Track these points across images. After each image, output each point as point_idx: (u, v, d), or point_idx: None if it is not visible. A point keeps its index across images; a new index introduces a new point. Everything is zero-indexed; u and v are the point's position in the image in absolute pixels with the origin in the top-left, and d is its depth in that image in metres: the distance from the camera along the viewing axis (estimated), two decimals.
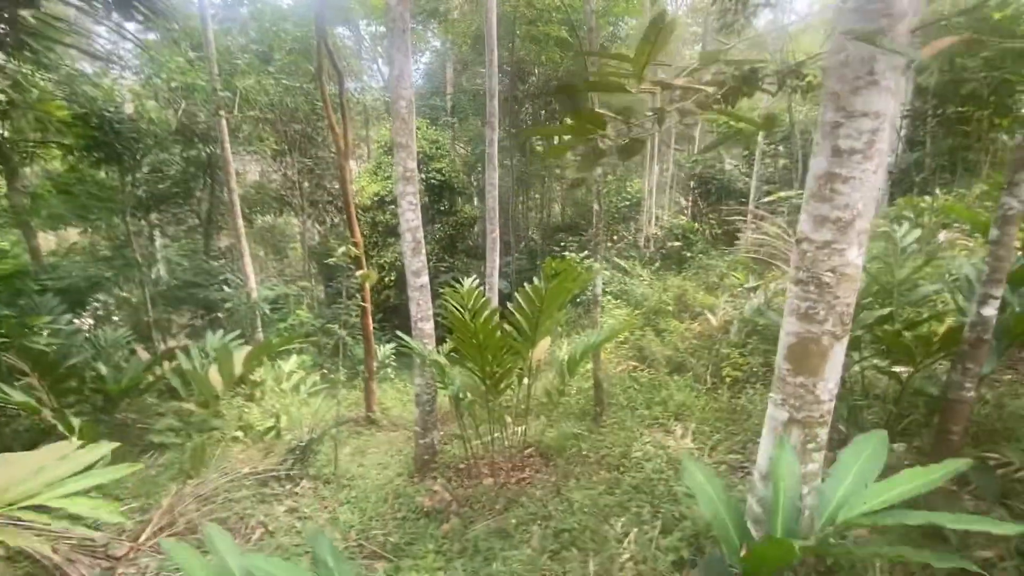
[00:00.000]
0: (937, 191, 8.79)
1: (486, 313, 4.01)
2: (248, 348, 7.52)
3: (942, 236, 7.34)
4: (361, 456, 6.07)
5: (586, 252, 9.67)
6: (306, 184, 18.35)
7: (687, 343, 7.05)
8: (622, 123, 1.46)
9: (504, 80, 16.59)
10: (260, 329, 10.80)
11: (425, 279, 4.80)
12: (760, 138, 14.00)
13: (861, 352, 3.20)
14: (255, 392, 7.79)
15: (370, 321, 8.09)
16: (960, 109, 8.07)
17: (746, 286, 7.47)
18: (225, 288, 11.03)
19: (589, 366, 6.10)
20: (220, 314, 11.54)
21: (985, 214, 4.76)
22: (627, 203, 18.31)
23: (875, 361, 3.21)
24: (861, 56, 1.79)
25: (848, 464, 1.90)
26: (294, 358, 8.98)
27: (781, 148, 16.58)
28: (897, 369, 3.08)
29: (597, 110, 1.06)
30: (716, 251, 12.99)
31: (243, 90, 9.73)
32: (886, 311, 2.97)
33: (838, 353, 2.03)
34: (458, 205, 18.26)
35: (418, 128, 17.61)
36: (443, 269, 17.29)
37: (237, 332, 8.29)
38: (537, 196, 19.98)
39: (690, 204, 18.41)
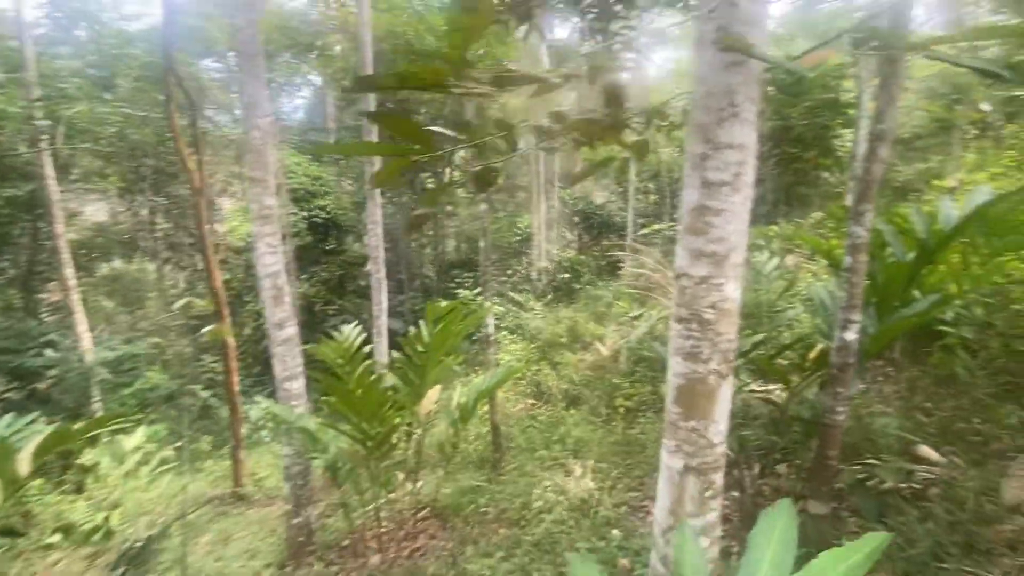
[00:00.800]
0: (780, 221, 10.01)
1: (363, 366, 3.55)
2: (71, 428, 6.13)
3: (789, 260, 8.27)
4: (224, 545, 5.09)
5: (479, 289, 9.49)
6: (164, 225, 16.24)
7: (581, 374, 7.05)
8: (466, 143, 1.24)
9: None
10: (98, 399, 9.03)
11: (291, 331, 4.20)
12: (633, 175, 15.10)
13: (739, 377, 3.26)
14: (85, 480, 6.35)
15: (235, 379, 7.06)
16: (791, 150, 9.29)
17: (630, 315, 7.73)
18: (49, 352, 9.10)
19: (487, 408, 5.80)
20: (43, 384, 9.48)
21: (823, 240, 5.37)
22: (519, 238, 18.68)
23: (753, 386, 3.30)
24: (723, 87, 1.76)
25: (760, 548, 1.74)
26: (141, 431, 7.54)
27: (652, 185, 18.11)
28: (774, 392, 3.17)
29: (432, 128, 0.83)
30: (602, 282, 13.58)
31: (71, 119, 8.33)
32: (760, 337, 3.05)
33: (725, 392, 1.93)
34: (346, 244, 17.30)
35: (298, 164, 16.56)
36: (331, 312, 16.09)
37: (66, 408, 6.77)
38: (431, 232, 19.67)
39: (576, 238, 19.27)
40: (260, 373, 12.29)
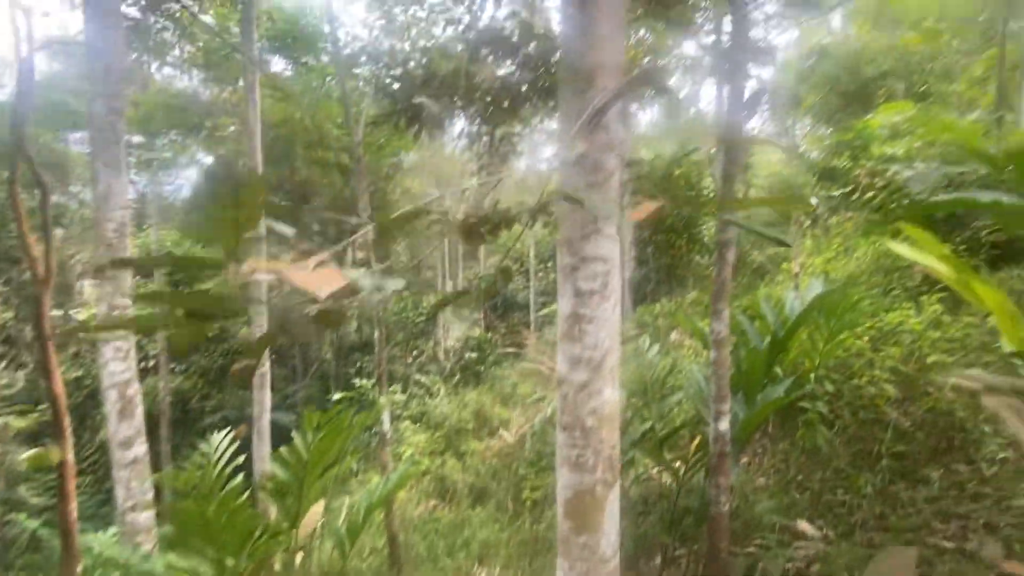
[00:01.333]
0: (663, 299, 10.90)
1: (228, 488, 3.07)
2: None
3: (673, 336, 8.91)
4: None
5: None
6: (3, 315, 13.87)
7: (488, 464, 6.77)
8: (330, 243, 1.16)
9: (284, 200, 15.87)
10: None
11: (139, 450, 3.59)
12: (532, 257, 15.82)
13: (634, 467, 3.28)
14: None
15: (72, 506, 5.81)
16: (666, 237, 10.34)
17: (535, 396, 7.72)
18: None
19: (384, 516, 5.27)
20: None
21: (696, 323, 5.87)
22: (423, 317, 18.38)
23: (646, 474, 3.33)
24: (588, 207, 1.89)
25: None
26: None
27: (549, 264, 19.05)
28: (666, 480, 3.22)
29: (218, 294, 0.74)
30: (508, 361, 13.61)
31: None
32: (648, 425, 3.12)
33: (613, 502, 1.90)
34: (232, 328, 15.85)
35: (177, 244, 15.25)
36: (208, 409, 14.30)
37: None
38: None
39: (482, 316, 19.39)
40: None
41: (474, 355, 15.62)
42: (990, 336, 4.09)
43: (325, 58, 13.43)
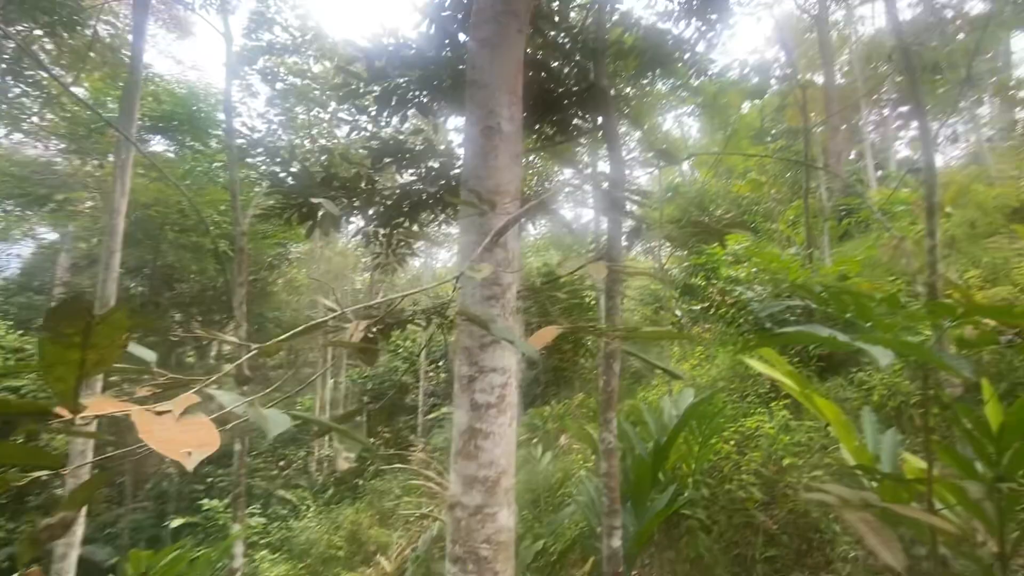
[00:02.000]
0: (552, 402, 11.09)
1: None
2: None
3: (562, 439, 8.95)
4: None
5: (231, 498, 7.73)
6: None
7: None
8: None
9: (145, 284, 14.14)
10: None
11: None
12: (423, 357, 15.43)
13: None
14: None
15: None
16: (553, 341, 10.81)
17: (419, 512, 7.08)
18: None
19: None
20: None
21: (586, 425, 6.00)
22: (295, 422, 16.55)
23: None
24: (484, 317, 1.91)
25: None
26: None
27: (441, 363, 18.68)
28: None
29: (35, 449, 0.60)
30: (391, 472, 12.51)
31: None
32: (539, 545, 2.97)
33: None
34: (40, 440, 12.87)
35: None
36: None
37: None
38: None
39: (364, 420, 18.01)
40: None
41: (352, 465, 14.19)
42: (828, 439, 4.68)
43: (214, 144, 12.99)
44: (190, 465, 0.50)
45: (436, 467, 7.24)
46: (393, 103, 3.67)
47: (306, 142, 14.70)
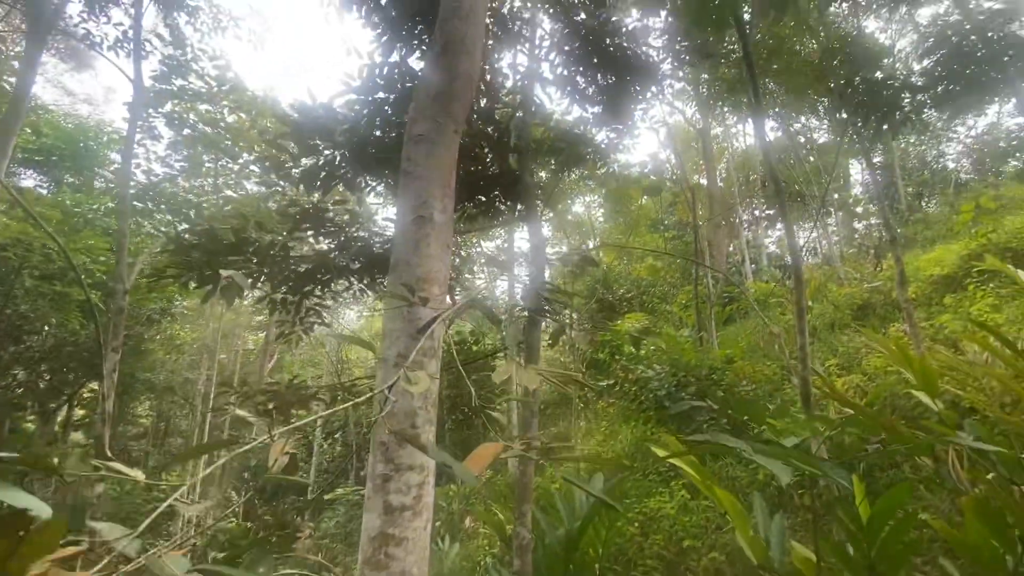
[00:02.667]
0: (459, 480, 10.64)
1: None
2: None
3: (467, 522, 8.53)
4: None
5: None
6: None
7: None
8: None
9: None
10: None
11: None
12: (318, 430, 14.27)
13: None
14: None
15: None
16: (462, 416, 10.58)
17: None
18: None
19: None
20: None
21: (493, 506, 5.80)
22: (153, 505, 14.21)
23: None
24: (405, 410, 1.84)
25: None
26: None
27: (339, 436, 17.32)
28: None
29: None
30: (269, 561, 10.98)
31: None
32: None
33: None
34: None
35: None
36: None
37: None
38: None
39: (242, 501, 15.94)
40: None
41: (222, 555, 12.27)
42: (722, 519, 4.92)
43: (101, 184, 11.82)
44: None
45: (325, 555, 6.49)
46: (321, 177, 3.63)
47: (209, 189, 13.83)
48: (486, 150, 4.68)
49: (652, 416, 7.95)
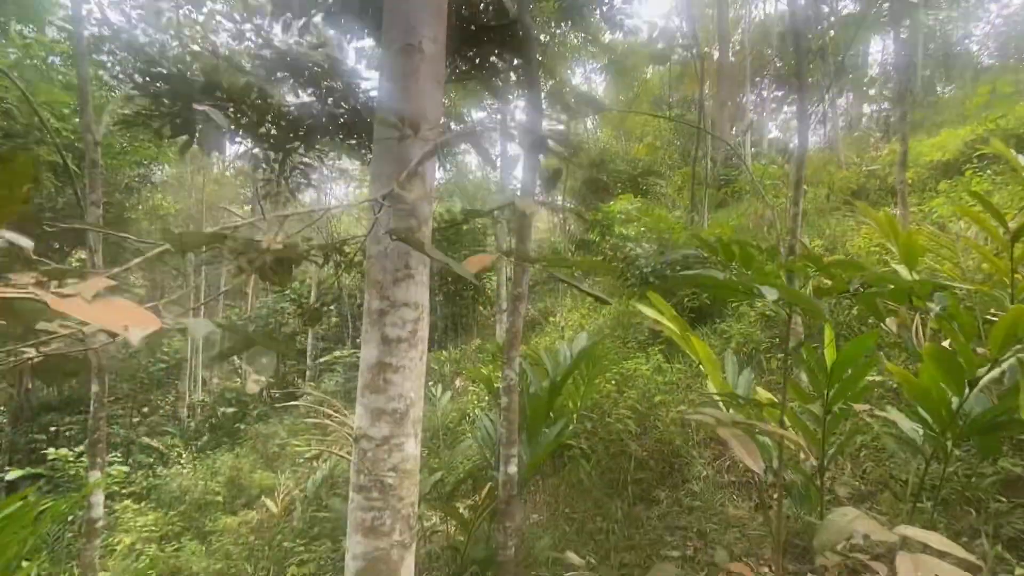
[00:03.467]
0: (449, 347, 11.26)
1: None
2: None
3: (458, 382, 9.19)
4: None
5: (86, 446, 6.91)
6: None
7: (243, 544, 5.69)
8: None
9: None
10: None
11: None
12: (313, 297, 14.65)
13: (421, 522, 3.18)
14: None
15: None
16: (453, 288, 10.84)
17: (307, 455, 6.92)
18: None
19: None
20: None
21: (482, 370, 6.21)
22: (163, 366, 15.05)
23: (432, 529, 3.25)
24: (399, 250, 1.85)
25: None
26: None
27: (333, 307, 17.89)
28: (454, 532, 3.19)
29: None
30: (276, 416, 12.00)
31: None
32: (438, 475, 3.08)
33: (409, 566, 1.78)
34: None
35: None
36: None
37: None
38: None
39: (244, 368, 16.87)
40: None
41: (231, 411, 13.32)
42: (693, 378, 5.34)
43: (52, 33, 10.61)
44: (135, 340, 0.43)
45: (326, 410, 7.06)
46: (296, 3, 3.23)
47: (174, 43, 12.55)
48: None
49: (637, 292, 8.21)
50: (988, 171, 7.79)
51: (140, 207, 15.85)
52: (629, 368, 5.45)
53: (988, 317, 3.17)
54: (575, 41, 11.12)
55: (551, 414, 4.04)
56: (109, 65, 10.18)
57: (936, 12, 16.82)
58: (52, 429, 11.93)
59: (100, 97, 9.43)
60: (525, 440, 3.34)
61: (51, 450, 7.62)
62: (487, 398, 6.65)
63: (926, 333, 3.71)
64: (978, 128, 9.11)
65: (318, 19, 3.56)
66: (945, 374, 1.98)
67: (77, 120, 8.89)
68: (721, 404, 2.48)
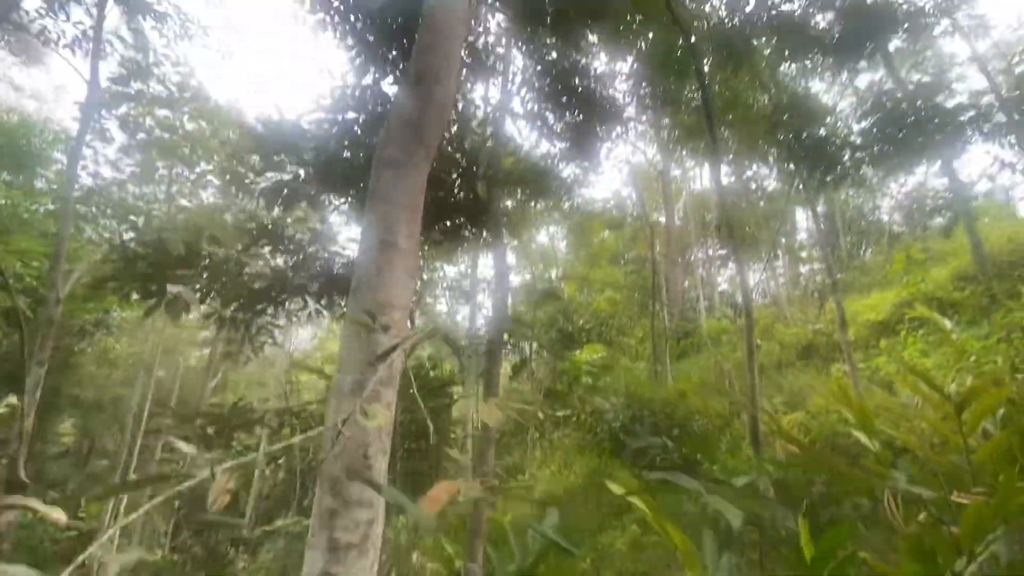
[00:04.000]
0: (401, 514, 10.26)
1: None
2: None
3: (415, 557, 8.19)
4: None
5: None
6: None
7: None
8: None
9: None
10: None
11: None
12: (261, 454, 13.52)
13: None
14: None
15: None
16: (414, 446, 10.33)
17: None
18: None
19: None
20: None
21: (444, 540, 5.61)
22: (69, 535, 12.99)
23: None
24: (358, 440, 1.78)
25: None
26: None
27: (281, 461, 16.43)
28: None
29: None
30: None
31: None
32: None
33: None
34: None
35: None
36: None
37: None
38: None
39: (169, 532, 14.80)
40: None
41: None
42: (672, 555, 4.93)
43: (42, 185, 11.15)
44: None
45: None
46: (284, 194, 3.54)
47: (162, 197, 13.27)
48: (454, 177, 4.71)
49: (607, 448, 7.97)
50: (920, 331, 8.47)
51: (90, 349, 15.13)
52: (604, 543, 5.03)
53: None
54: (538, 208, 12.35)
55: None
56: (91, 217, 10.57)
57: (846, 191, 19.78)
58: None
59: (76, 250, 9.58)
60: None
61: None
62: None
63: (898, 502, 3.65)
64: (902, 292, 10.12)
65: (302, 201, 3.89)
66: (925, 569, 1.91)
67: (44, 266, 8.88)
68: None
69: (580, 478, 8.61)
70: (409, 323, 2.09)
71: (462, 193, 4.74)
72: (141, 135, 12.27)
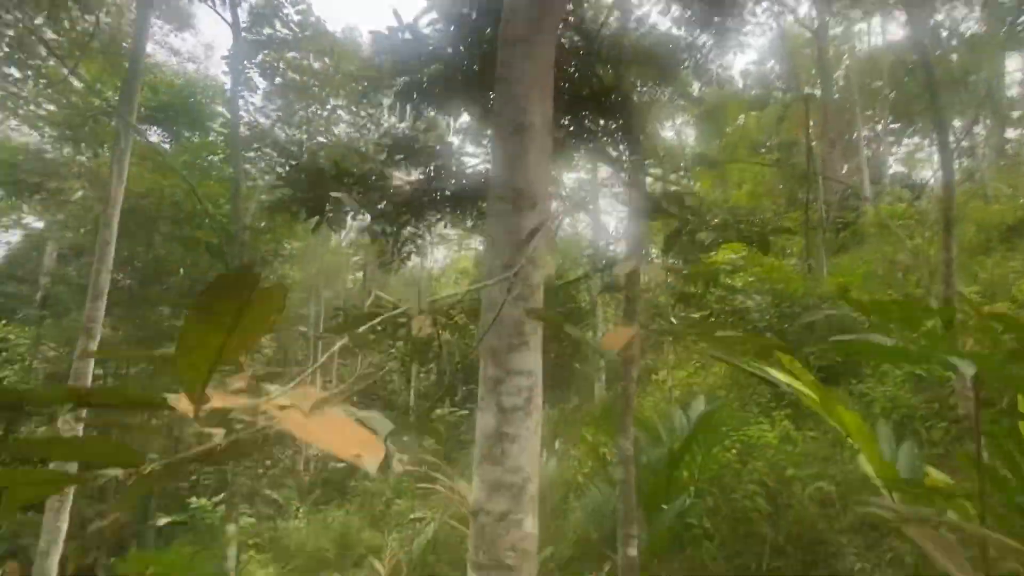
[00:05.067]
0: (547, 406, 11.04)
1: None
2: None
3: (557, 445, 8.89)
4: None
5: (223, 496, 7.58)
6: None
7: None
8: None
9: (133, 277, 13.88)
10: None
11: None
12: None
13: None
14: None
15: None
16: (554, 345, 10.75)
17: (412, 515, 6.98)
18: None
19: None
20: None
21: (585, 430, 5.96)
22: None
23: None
24: (512, 319, 1.85)
25: None
26: None
27: (431, 367, 18.51)
28: None
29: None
30: (382, 474, 12.37)
31: None
32: (548, 552, 2.91)
33: None
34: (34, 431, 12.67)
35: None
36: None
37: None
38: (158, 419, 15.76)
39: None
40: None
41: (340, 465, 14.00)
42: (832, 448, 4.67)
43: (212, 136, 12.85)
44: (372, 469, 0.45)
45: (428, 470, 7.15)
46: (415, 97, 3.61)
47: (303, 137, 14.56)
48: (574, 64, 4.38)
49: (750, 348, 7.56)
50: None
51: (271, 277, 18.03)
52: (752, 436, 4.92)
53: None
54: (667, 95, 11.19)
55: (670, 485, 3.71)
56: (255, 159, 12.04)
57: None
58: (192, 478, 13.29)
59: (248, 189, 11.11)
60: (642, 518, 3.07)
61: (193, 499, 8.44)
62: (590, 464, 6.33)
63: None
64: None
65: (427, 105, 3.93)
66: None
67: (228, 207, 10.51)
68: (883, 488, 2.11)
69: (722, 378, 8.39)
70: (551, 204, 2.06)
71: (585, 84, 4.41)
72: (278, 80, 13.31)
